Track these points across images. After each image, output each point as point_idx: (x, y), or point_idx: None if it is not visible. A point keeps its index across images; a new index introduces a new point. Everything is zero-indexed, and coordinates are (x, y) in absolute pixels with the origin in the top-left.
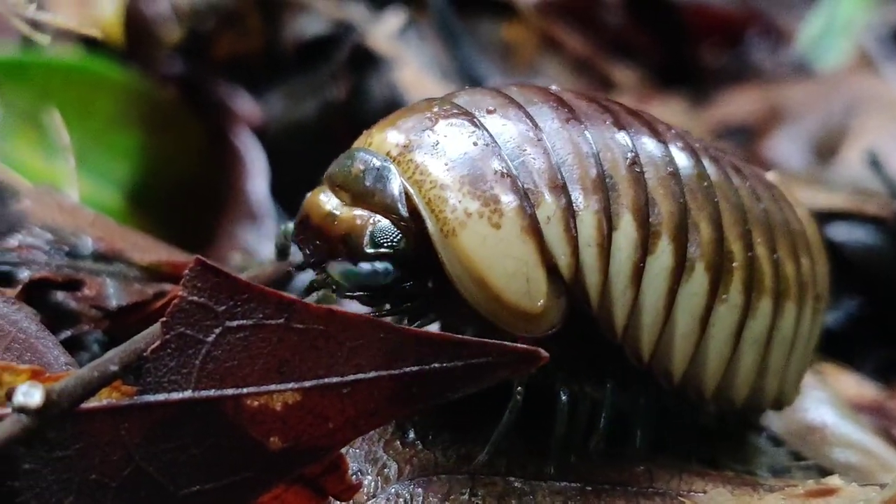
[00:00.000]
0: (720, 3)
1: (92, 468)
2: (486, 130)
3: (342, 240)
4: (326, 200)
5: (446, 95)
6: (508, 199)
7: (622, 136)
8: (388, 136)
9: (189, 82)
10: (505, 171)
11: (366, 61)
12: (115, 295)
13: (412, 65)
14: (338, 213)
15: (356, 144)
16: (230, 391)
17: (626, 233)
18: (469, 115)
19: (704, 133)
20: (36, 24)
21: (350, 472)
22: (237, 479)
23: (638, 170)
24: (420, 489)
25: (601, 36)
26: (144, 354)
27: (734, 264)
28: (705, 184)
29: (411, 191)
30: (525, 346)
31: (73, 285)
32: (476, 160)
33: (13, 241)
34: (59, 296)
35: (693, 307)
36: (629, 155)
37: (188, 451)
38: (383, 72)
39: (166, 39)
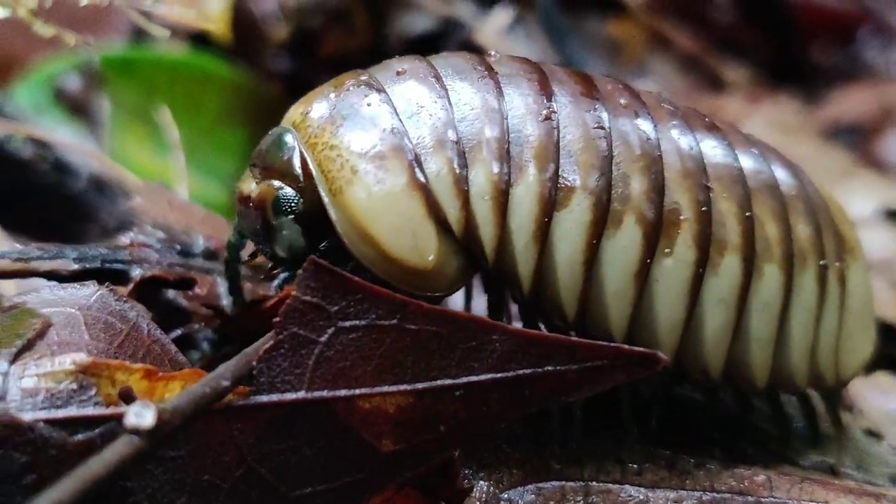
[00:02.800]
0: (832, 1)
1: (204, 469)
2: (384, 92)
3: (258, 215)
4: (245, 183)
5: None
6: (394, 155)
7: (540, 95)
8: (297, 107)
9: (295, 79)
10: (395, 128)
11: None
12: (225, 293)
13: None
14: (252, 192)
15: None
16: (343, 392)
17: (528, 186)
18: (370, 79)
19: (816, 132)
20: (148, 18)
21: (461, 475)
22: (349, 480)
23: (552, 125)
24: (532, 496)
25: (711, 33)
26: (258, 354)
27: (681, 217)
28: (645, 139)
29: (307, 155)
30: (643, 349)
31: (184, 283)
32: (367, 119)
33: (125, 239)
34: (170, 294)
35: (624, 262)
36: (544, 111)
37: (300, 453)
38: None
39: (273, 37)
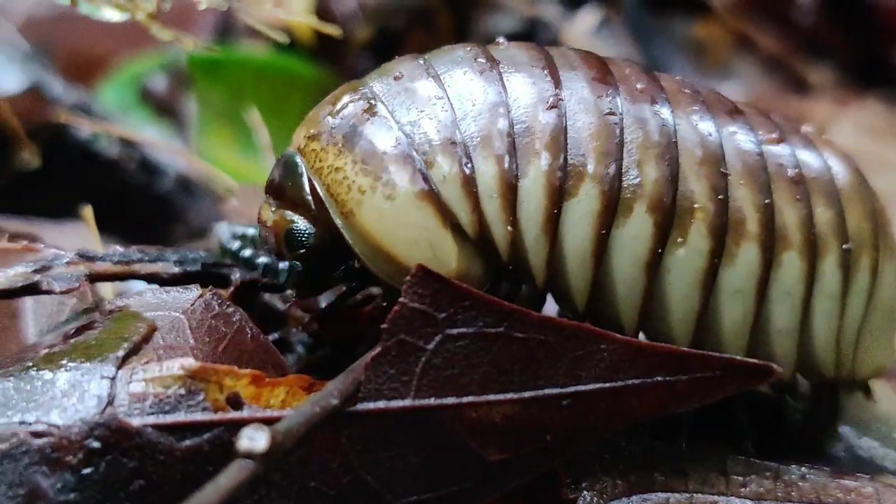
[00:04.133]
0: None
1: (312, 476)
2: (382, 103)
3: (273, 247)
4: (264, 211)
5: (370, 74)
6: (399, 168)
7: (546, 82)
8: (300, 130)
9: None
10: (398, 139)
11: None
12: (322, 297)
13: None
14: (268, 220)
15: None
16: (450, 400)
17: (535, 178)
18: (367, 90)
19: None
20: (235, 19)
21: (565, 485)
22: (454, 489)
23: (557, 114)
24: None
25: (795, 34)
26: (365, 362)
27: (695, 206)
28: (661, 125)
29: (314, 180)
30: (756, 360)
31: (279, 287)
32: (368, 135)
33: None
34: (266, 297)
35: (635, 252)
36: (550, 98)
37: (407, 460)
38: None
39: (355, 37)
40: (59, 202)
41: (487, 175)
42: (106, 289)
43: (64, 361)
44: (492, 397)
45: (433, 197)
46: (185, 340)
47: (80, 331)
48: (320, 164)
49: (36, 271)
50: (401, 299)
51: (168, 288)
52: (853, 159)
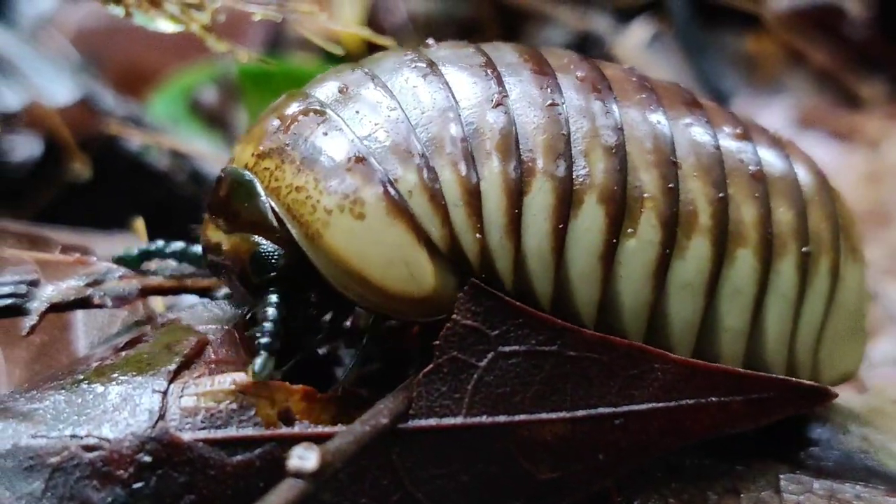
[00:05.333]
0: None
1: (362, 493)
2: (337, 115)
3: (234, 271)
4: (211, 232)
5: (306, 85)
6: (366, 185)
7: (488, 81)
8: (244, 147)
9: None
10: (359, 154)
11: None
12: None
13: (659, 76)
14: (222, 243)
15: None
16: (502, 418)
17: (492, 180)
18: (318, 104)
19: None
20: (285, 30)
21: None
22: None
23: (504, 111)
24: None
25: (848, 49)
26: (417, 378)
27: (645, 195)
28: (604, 113)
29: (271, 201)
30: (811, 382)
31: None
32: (327, 151)
33: None
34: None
35: (589, 244)
36: (494, 96)
37: (457, 478)
38: None
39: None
40: (110, 213)
41: (449, 183)
42: (157, 301)
43: (115, 375)
44: (544, 416)
45: (405, 213)
46: (236, 354)
47: (131, 344)
48: (277, 183)
49: (88, 285)
50: (453, 316)
51: (220, 301)
52: (816, 162)
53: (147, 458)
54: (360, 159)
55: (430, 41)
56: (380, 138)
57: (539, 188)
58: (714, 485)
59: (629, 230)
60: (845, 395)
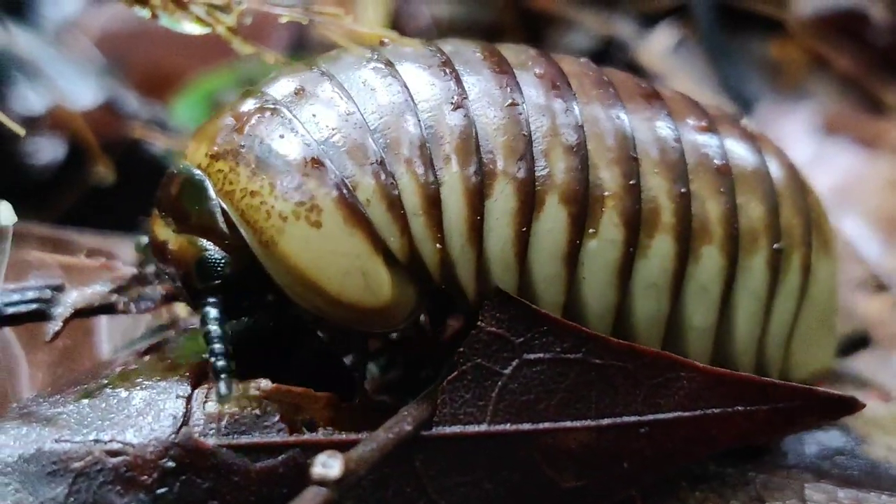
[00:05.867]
0: None
1: (386, 500)
2: (294, 116)
3: (178, 274)
4: (159, 229)
5: (262, 83)
6: (324, 192)
7: (447, 82)
8: (198, 146)
9: None
10: (316, 158)
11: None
12: None
13: (684, 80)
14: (169, 242)
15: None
16: (526, 426)
17: (452, 187)
18: (272, 103)
19: None
20: (309, 33)
21: None
22: None
23: (464, 113)
24: None
25: (872, 55)
26: (441, 385)
27: (605, 194)
28: (563, 110)
29: (224, 204)
30: (840, 393)
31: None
32: (283, 155)
33: None
34: None
35: (552, 246)
36: (454, 98)
37: (481, 486)
38: None
39: None
40: (133, 216)
41: (408, 192)
42: (180, 306)
43: (139, 379)
44: (568, 424)
45: (362, 222)
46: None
47: (154, 348)
48: (231, 186)
49: (113, 291)
50: (478, 323)
51: None
52: (787, 155)
53: (171, 464)
54: (318, 164)
55: (386, 40)
56: (337, 143)
57: (501, 191)
58: (738, 494)
59: (591, 230)
60: (870, 405)
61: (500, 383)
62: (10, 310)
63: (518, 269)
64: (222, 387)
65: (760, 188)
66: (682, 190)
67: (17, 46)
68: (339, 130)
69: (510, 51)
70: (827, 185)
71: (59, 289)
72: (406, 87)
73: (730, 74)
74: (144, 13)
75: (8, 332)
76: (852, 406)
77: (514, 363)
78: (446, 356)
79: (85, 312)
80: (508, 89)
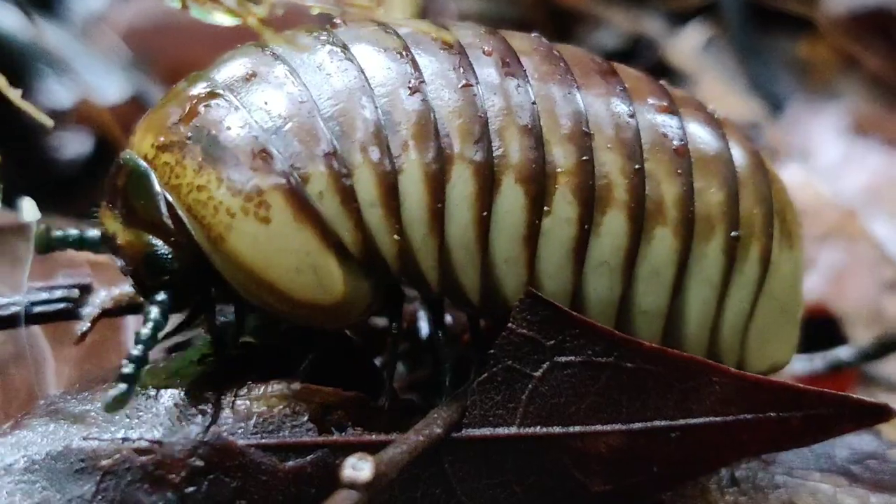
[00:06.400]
0: None
1: (414, 501)
2: (241, 107)
3: (128, 267)
4: (108, 221)
5: (212, 66)
6: (272, 185)
7: (403, 65)
8: (144, 135)
9: None
10: (265, 150)
11: (665, 76)
12: (423, 318)
13: (714, 80)
14: (118, 235)
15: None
16: (556, 429)
17: (411, 175)
18: (223, 90)
19: None
20: None
21: None
22: None
23: (421, 98)
24: None
25: None
26: (471, 387)
27: (558, 170)
28: (515, 87)
29: (171, 198)
30: (872, 400)
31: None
32: (231, 147)
33: None
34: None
35: (511, 227)
36: (411, 82)
37: (510, 489)
38: (683, 87)
39: None
40: None
41: (364, 182)
42: None
43: (167, 378)
44: (598, 427)
45: (313, 217)
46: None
47: (182, 346)
48: (178, 180)
49: None
50: (509, 325)
51: None
52: (753, 143)
53: (199, 463)
54: (267, 156)
55: (338, 20)
56: (288, 133)
57: (459, 176)
58: (769, 497)
59: (545, 208)
60: None
61: (530, 386)
62: (38, 308)
63: (480, 253)
64: (113, 392)
65: (720, 174)
66: (636, 167)
67: (45, 40)
68: (290, 119)
69: (461, 29)
70: (856, 185)
71: (87, 289)
72: (362, 71)
73: (759, 74)
74: (175, 4)
75: (35, 326)
76: (886, 414)
77: (545, 366)
78: (475, 357)
79: (113, 312)
80: (462, 70)
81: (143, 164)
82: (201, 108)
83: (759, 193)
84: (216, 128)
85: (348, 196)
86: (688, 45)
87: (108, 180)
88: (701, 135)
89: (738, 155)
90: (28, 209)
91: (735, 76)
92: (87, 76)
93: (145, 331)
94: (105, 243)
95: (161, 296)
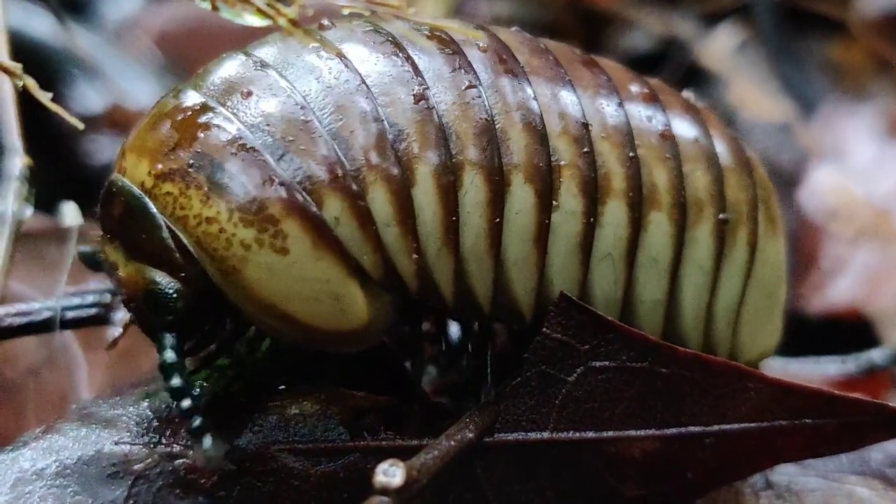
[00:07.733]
0: None
1: None
2: (245, 127)
3: (130, 303)
4: (109, 250)
5: (202, 74)
6: (287, 213)
7: (405, 72)
8: (138, 160)
9: None
10: (276, 177)
11: (697, 78)
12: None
13: (746, 81)
14: (118, 268)
15: (116, 160)
16: (589, 434)
17: (425, 186)
18: (218, 108)
19: None
20: None
21: None
22: None
23: (427, 105)
24: None
25: None
26: (505, 391)
27: (561, 164)
28: (511, 84)
29: (177, 231)
30: None
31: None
32: (239, 175)
33: None
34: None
35: (522, 228)
36: (415, 89)
37: (543, 494)
38: (715, 89)
39: None
40: None
41: (379, 201)
42: None
43: (199, 382)
44: (632, 433)
45: (332, 243)
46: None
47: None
48: (183, 212)
49: None
50: (543, 329)
51: None
52: (732, 130)
53: (231, 467)
54: (278, 182)
55: (326, 21)
56: (298, 158)
57: (472, 182)
58: (805, 502)
59: (553, 203)
60: None
61: (564, 390)
62: (71, 314)
63: (492, 260)
64: (207, 445)
65: (704, 157)
66: (631, 154)
67: (77, 45)
68: (297, 139)
69: (450, 28)
70: (889, 186)
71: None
72: (365, 83)
73: (792, 75)
74: (206, 5)
75: (67, 331)
76: None
77: (579, 370)
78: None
79: None
80: (463, 71)
81: (141, 193)
82: (200, 131)
83: (742, 180)
84: (220, 153)
85: (366, 218)
86: (720, 47)
87: (101, 209)
88: (682, 121)
89: (719, 141)
90: (70, 213)
91: (767, 78)
92: (118, 81)
93: (169, 355)
94: (106, 273)
95: (169, 339)
